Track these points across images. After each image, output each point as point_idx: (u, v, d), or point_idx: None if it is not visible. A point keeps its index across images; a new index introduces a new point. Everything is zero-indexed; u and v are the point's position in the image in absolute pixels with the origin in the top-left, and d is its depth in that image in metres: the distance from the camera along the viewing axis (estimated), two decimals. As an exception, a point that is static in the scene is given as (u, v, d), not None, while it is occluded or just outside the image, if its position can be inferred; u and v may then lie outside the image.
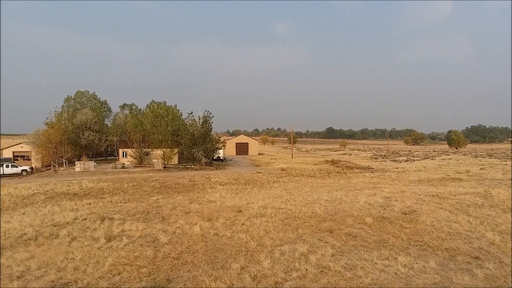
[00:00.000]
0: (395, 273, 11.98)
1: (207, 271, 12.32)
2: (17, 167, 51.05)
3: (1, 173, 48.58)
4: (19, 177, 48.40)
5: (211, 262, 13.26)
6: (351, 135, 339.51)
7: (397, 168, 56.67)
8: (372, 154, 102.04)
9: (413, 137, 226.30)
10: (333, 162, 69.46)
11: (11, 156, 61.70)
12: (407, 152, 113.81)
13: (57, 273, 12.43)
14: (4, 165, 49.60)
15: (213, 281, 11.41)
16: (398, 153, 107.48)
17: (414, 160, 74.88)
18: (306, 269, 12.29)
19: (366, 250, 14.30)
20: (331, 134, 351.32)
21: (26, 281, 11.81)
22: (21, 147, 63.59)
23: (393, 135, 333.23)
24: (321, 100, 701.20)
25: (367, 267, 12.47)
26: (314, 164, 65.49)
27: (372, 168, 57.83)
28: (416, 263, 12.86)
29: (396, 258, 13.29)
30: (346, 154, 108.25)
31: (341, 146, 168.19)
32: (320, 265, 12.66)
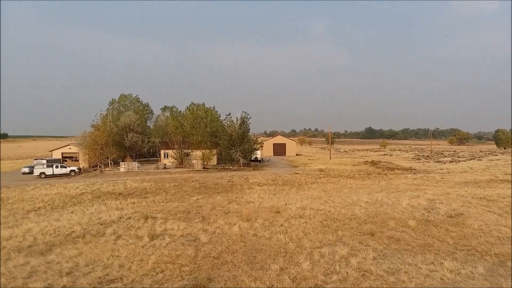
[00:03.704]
0: (441, 278, 11.50)
1: (246, 271, 12.42)
2: (65, 167, 53.90)
3: (52, 173, 51.47)
4: (68, 177, 51.17)
5: (250, 263, 13.35)
6: (391, 135, 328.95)
7: (441, 169, 54.42)
8: (414, 155, 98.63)
9: (458, 137, 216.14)
10: (373, 163, 67.73)
11: (60, 157, 65.33)
12: (452, 152, 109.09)
13: (104, 269, 12.98)
14: (54, 166, 52.53)
15: (252, 281, 11.49)
16: (442, 153, 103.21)
17: (459, 161, 71.64)
18: (347, 272, 12.08)
19: (410, 254, 13.84)
20: (370, 134, 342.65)
21: (75, 277, 12.41)
22: (70, 148, 67.17)
23: (437, 134, 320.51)
24: (359, 99, 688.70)
25: (411, 271, 12.06)
26: (353, 165, 64.20)
27: (415, 169, 55.89)
28: (464, 269, 12.28)
29: (442, 263, 12.76)
30: (387, 154, 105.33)
31: (381, 147, 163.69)
32: (361, 269, 12.39)
